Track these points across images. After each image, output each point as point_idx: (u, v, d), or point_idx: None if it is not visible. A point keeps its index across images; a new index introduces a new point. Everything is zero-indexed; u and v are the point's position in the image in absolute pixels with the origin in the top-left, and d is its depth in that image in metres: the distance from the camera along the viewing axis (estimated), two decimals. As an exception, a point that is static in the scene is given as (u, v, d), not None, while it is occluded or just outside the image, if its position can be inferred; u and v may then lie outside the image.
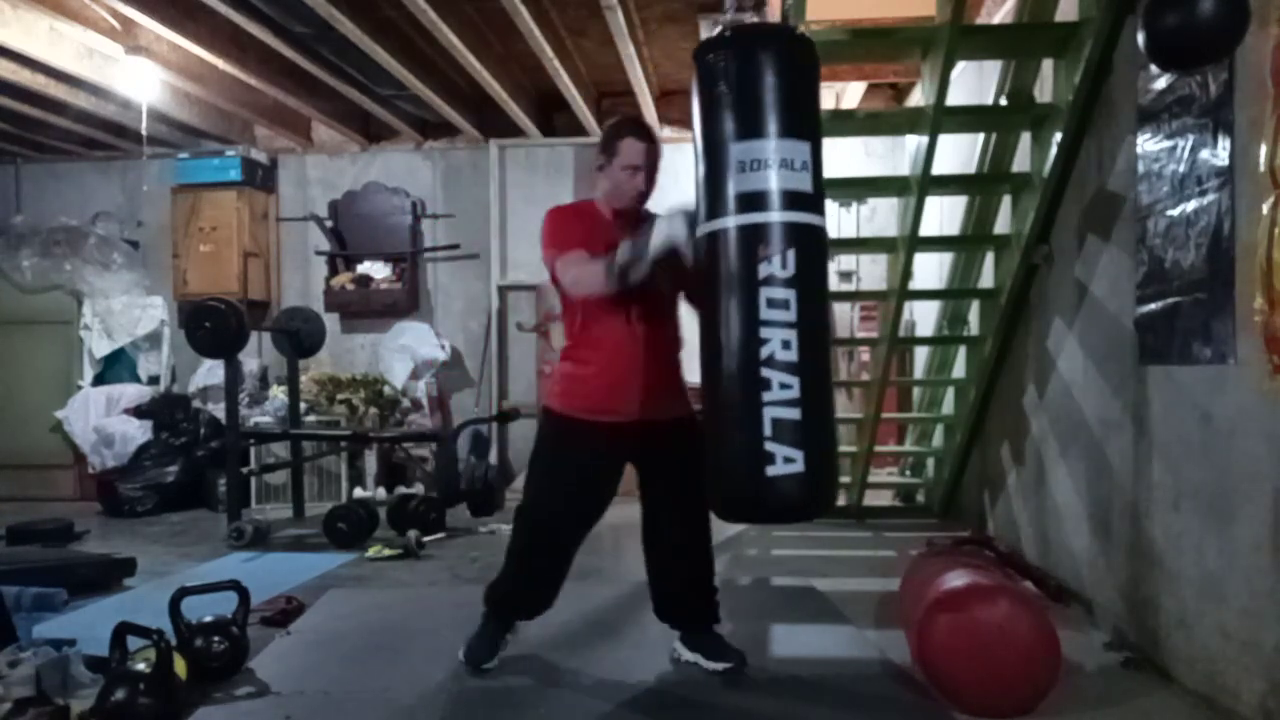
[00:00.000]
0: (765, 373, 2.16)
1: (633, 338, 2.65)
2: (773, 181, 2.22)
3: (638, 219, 2.68)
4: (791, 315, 2.18)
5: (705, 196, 2.31)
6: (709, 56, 2.33)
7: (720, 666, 2.77)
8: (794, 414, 2.15)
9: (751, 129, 2.25)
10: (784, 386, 2.15)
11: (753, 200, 2.23)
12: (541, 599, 2.81)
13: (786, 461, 2.14)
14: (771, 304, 2.18)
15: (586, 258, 2.58)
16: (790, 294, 2.18)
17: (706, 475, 2.36)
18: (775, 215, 2.22)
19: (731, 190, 2.25)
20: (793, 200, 2.23)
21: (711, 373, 2.28)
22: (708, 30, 2.58)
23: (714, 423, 2.29)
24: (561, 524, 2.75)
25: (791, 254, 2.20)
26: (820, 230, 2.32)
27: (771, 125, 2.24)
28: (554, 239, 2.71)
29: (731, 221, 2.24)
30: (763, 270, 2.20)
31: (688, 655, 2.85)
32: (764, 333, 2.18)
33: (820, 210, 2.32)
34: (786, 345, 2.17)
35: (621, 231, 2.62)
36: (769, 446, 2.15)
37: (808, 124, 2.31)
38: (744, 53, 2.29)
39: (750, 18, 2.51)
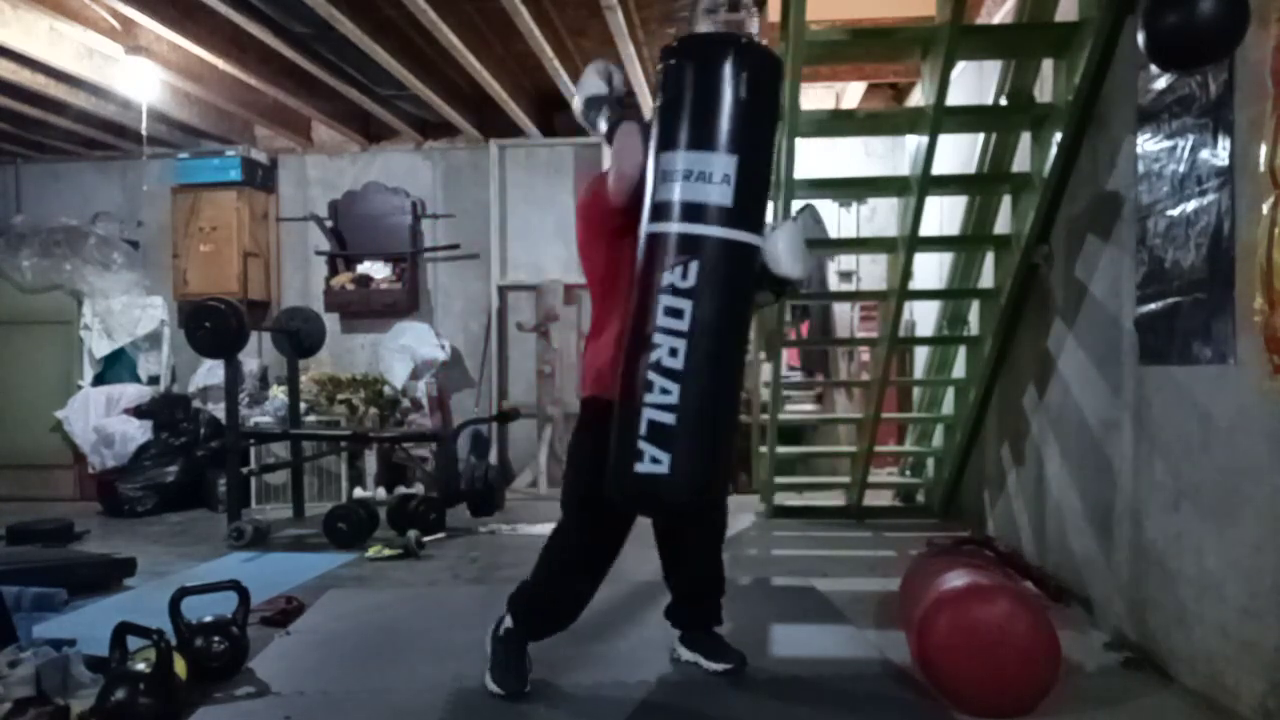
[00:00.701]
0: (650, 375, 2.26)
1: None
2: (677, 193, 2.28)
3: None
4: (684, 325, 2.25)
5: (648, 201, 2.38)
6: (661, 61, 2.40)
7: (720, 667, 2.77)
8: (668, 419, 2.24)
9: (668, 140, 2.31)
10: (664, 391, 2.25)
11: (660, 210, 2.31)
12: (580, 608, 2.67)
13: (653, 461, 2.25)
14: (668, 312, 2.26)
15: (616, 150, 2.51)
16: (687, 304, 2.25)
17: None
18: (676, 226, 2.29)
19: (654, 198, 2.34)
20: (700, 213, 2.27)
21: (625, 361, 2.38)
22: (698, 27, 2.60)
23: (617, 410, 2.37)
24: (617, 520, 2.57)
25: (694, 265, 2.26)
26: (736, 245, 2.31)
27: (684, 137, 2.29)
28: (597, 186, 2.61)
29: (648, 228, 2.34)
30: (664, 278, 2.28)
31: (687, 655, 2.84)
32: (656, 338, 2.27)
33: (745, 225, 2.32)
34: (674, 353, 2.25)
35: None
36: (640, 444, 2.26)
37: (743, 137, 2.29)
38: (674, 63, 2.33)
39: (731, 16, 2.48)
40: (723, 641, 2.83)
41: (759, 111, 2.33)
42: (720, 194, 2.27)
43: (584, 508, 2.60)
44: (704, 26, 2.51)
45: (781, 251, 2.43)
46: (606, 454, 2.39)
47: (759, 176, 2.36)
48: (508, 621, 2.67)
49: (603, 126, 2.55)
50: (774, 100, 2.42)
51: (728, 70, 2.28)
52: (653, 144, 2.36)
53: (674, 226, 2.29)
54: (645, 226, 2.35)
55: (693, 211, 2.28)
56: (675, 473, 2.25)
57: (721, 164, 2.27)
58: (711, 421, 2.32)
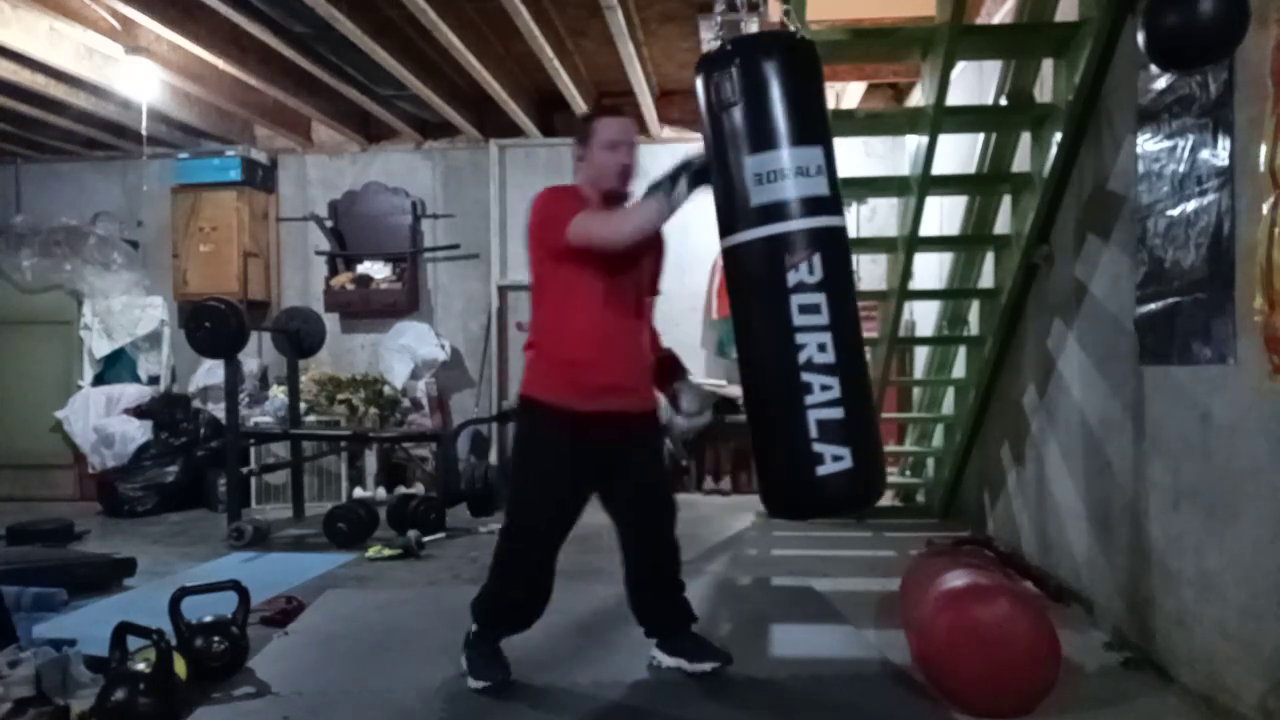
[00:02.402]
0: (806, 377, 2.24)
1: (624, 325, 2.62)
2: (790, 190, 2.27)
3: (624, 198, 2.65)
4: (824, 319, 2.25)
5: (724, 211, 2.36)
6: (713, 70, 2.36)
7: (706, 667, 2.72)
8: (837, 413, 2.23)
9: (764, 140, 2.29)
10: (825, 388, 2.23)
11: (773, 211, 2.28)
12: (537, 609, 2.71)
13: (835, 459, 2.23)
14: (804, 310, 2.25)
15: (605, 213, 2.54)
16: (820, 298, 2.25)
17: (757, 479, 2.43)
18: (797, 223, 2.27)
19: (752, 203, 2.29)
20: (813, 206, 2.28)
21: (754, 383, 2.37)
22: (707, 30, 2.58)
23: (760, 430, 2.35)
24: (555, 524, 2.64)
25: (818, 258, 2.26)
26: (841, 231, 2.36)
27: (783, 134, 2.28)
28: (561, 212, 2.56)
29: (755, 234, 2.30)
30: (791, 278, 2.26)
31: (669, 662, 2.78)
32: (799, 339, 2.25)
33: (839, 210, 2.36)
34: (822, 348, 2.24)
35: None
36: (817, 447, 2.23)
37: (818, 128, 2.33)
38: (747, 64, 2.31)
39: (744, 17, 2.50)
40: (704, 641, 2.79)
41: (823, 101, 2.39)
42: (819, 185, 2.28)
43: (521, 512, 2.70)
44: (726, 28, 2.53)
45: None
46: (543, 454, 2.52)
47: (833, 160, 2.37)
48: (473, 627, 2.74)
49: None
50: (822, 88, 2.46)
51: (794, 66, 2.30)
52: (733, 144, 2.32)
53: (796, 224, 2.27)
54: (753, 232, 2.30)
55: (812, 206, 2.27)
56: (861, 463, 2.25)
57: (816, 156, 2.28)
58: (870, 405, 2.37)
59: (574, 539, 2.72)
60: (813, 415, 2.23)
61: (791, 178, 2.26)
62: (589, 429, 2.55)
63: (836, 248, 2.32)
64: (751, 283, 2.33)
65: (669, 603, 2.81)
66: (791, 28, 2.50)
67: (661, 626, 2.83)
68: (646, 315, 2.74)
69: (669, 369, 2.78)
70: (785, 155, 2.27)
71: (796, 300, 2.25)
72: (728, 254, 2.38)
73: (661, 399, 2.75)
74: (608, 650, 3.01)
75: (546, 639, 3.01)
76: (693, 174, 2.39)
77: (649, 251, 2.67)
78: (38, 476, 6.72)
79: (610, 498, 2.73)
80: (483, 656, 2.70)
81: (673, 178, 2.40)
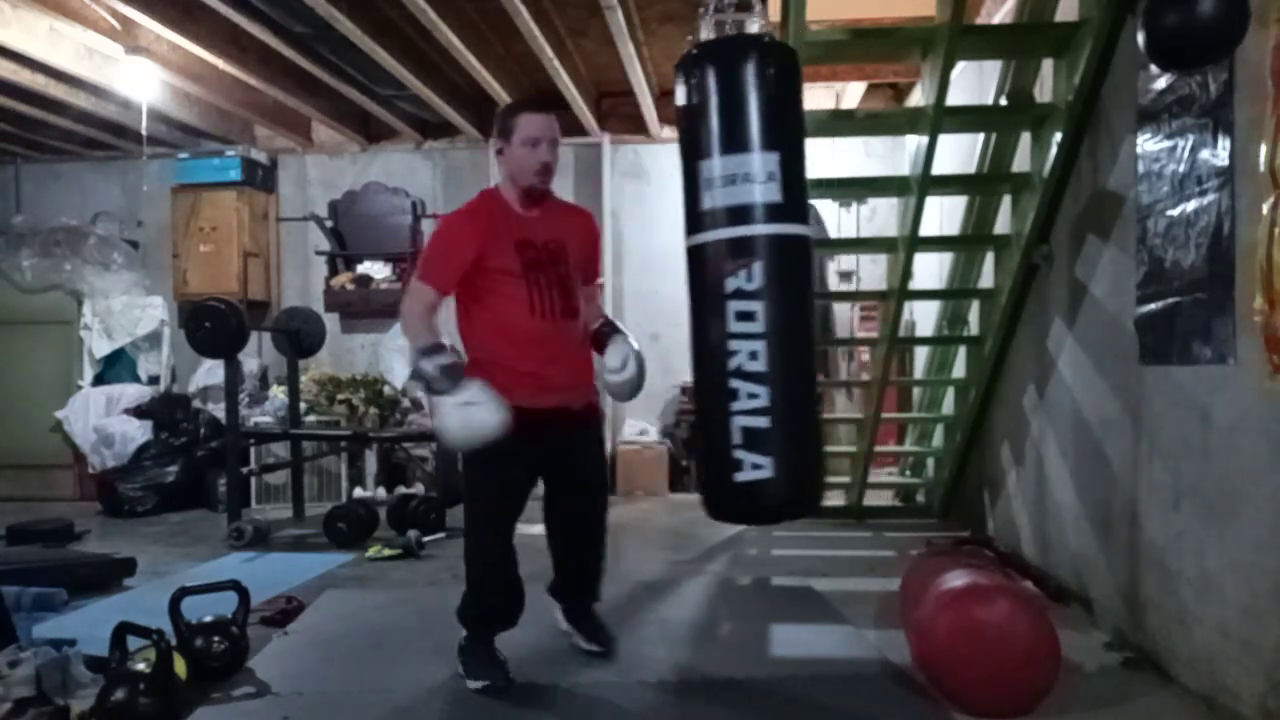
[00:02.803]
0: (733, 383, 2.25)
1: (543, 324, 2.64)
2: (738, 196, 2.27)
3: (544, 195, 2.70)
4: (759, 326, 2.24)
5: (687, 213, 2.39)
6: (680, 71, 2.40)
7: (594, 648, 2.88)
8: (761, 422, 2.24)
9: (712, 145, 2.30)
10: (751, 396, 2.24)
11: (719, 216, 2.30)
12: (513, 605, 2.78)
13: (754, 468, 2.25)
14: (740, 316, 2.26)
15: (430, 300, 2.64)
16: (758, 306, 2.25)
17: (698, 479, 2.47)
18: (740, 230, 2.29)
19: (701, 207, 2.32)
20: (760, 213, 2.27)
21: (696, 383, 2.41)
22: (707, 31, 2.59)
23: (701, 430, 2.40)
24: (503, 508, 2.71)
25: (758, 266, 2.25)
26: (793, 238, 2.33)
27: (733, 139, 2.28)
28: (428, 258, 2.74)
29: (702, 238, 2.33)
30: (729, 284, 2.27)
31: (565, 626, 2.96)
32: (732, 345, 2.26)
33: (794, 217, 2.32)
34: (754, 356, 2.24)
35: (528, 214, 2.66)
36: (737, 454, 2.25)
37: (775, 134, 2.31)
38: (707, 67, 2.33)
39: (733, 17, 2.49)
40: (600, 624, 2.95)
41: (789, 105, 2.35)
42: (770, 192, 2.27)
43: (475, 510, 2.76)
44: (713, 29, 2.52)
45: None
46: (487, 455, 2.50)
47: (797, 168, 2.35)
48: (462, 632, 2.80)
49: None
50: (798, 94, 2.42)
51: (753, 70, 2.28)
52: (691, 146, 2.37)
53: (726, 233, 2.28)
54: (701, 236, 2.35)
55: (744, 214, 2.27)
56: (780, 474, 2.25)
57: (765, 162, 2.26)
58: (804, 418, 2.34)
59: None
60: (737, 422, 2.24)
61: (740, 184, 2.26)
62: (523, 423, 2.52)
63: (783, 255, 2.30)
64: (697, 285, 2.35)
65: (585, 581, 2.96)
66: (767, 32, 2.47)
67: (571, 598, 2.98)
68: (580, 309, 2.75)
69: (603, 333, 2.81)
70: (717, 164, 2.28)
71: (733, 307, 2.26)
72: (687, 255, 2.41)
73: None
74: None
75: (546, 639, 3.01)
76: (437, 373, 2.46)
77: (566, 251, 2.68)
78: (38, 476, 6.71)
79: (548, 483, 2.83)
80: (475, 658, 2.74)
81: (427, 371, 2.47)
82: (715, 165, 2.28)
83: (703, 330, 2.37)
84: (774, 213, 2.28)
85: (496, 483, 2.67)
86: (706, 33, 2.51)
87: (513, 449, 2.53)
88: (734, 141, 2.28)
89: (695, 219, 2.35)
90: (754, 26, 2.50)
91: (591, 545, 2.91)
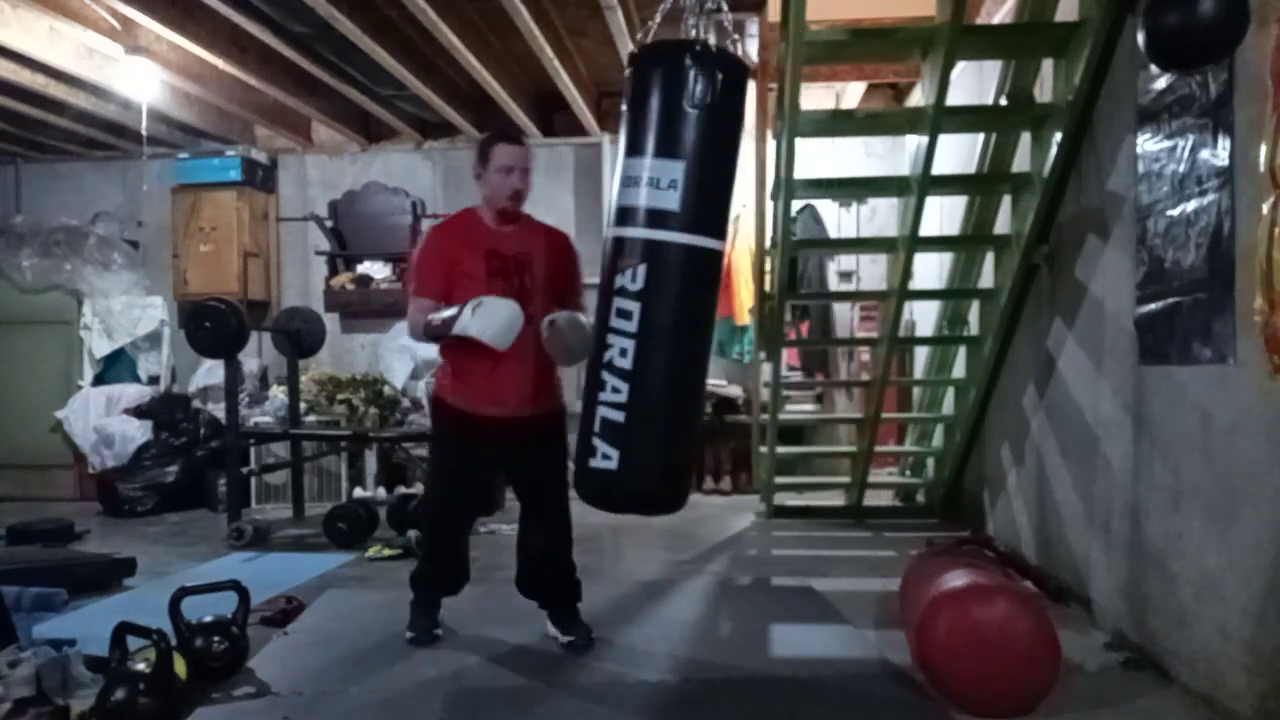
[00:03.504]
0: (603, 375, 2.39)
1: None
2: (639, 198, 2.36)
3: (516, 216, 2.96)
4: (633, 326, 2.35)
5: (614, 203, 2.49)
6: (627, 67, 2.50)
7: (567, 639, 2.98)
8: (617, 416, 2.36)
9: (630, 146, 2.40)
10: (614, 390, 2.36)
11: (620, 215, 2.42)
12: (459, 574, 3.13)
13: (604, 457, 2.38)
14: (619, 314, 2.37)
15: (427, 305, 2.84)
16: (635, 306, 2.35)
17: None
18: (624, 231, 2.40)
19: (615, 203, 2.44)
20: (654, 218, 2.35)
21: (588, 362, 2.51)
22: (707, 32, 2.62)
23: (582, 406, 2.50)
24: (452, 499, 3.05)
25: (643, 269, 2.35)
26: (685, 248, 2.38)
27: (646, 143, 2.36)
28: (415, 273, 2.97)
29: (609, 232, 2.46)
30: (617, 281, 2.38)
31: (551, 630, 3.06)
32: (609, 339, 2.38)
33: (691, 229, 2.37)
34: (624, 353, 2.35)
35: (501, 229, 2.92)
36: (594, 441, 2.39)
37: (682, 142, 2.35)
38: (636, 71, 2.43)
39: (718, 18, 2.52)
40: (576, 618, 3.04)
41: (710, 117, 2.35)
42: (667, 199, 2.33)
43: (428, 495, 3.17)
44: (687, 27, 2.54)
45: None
46: (441, 448, 3.02)
47: (711, 181, 2.40)
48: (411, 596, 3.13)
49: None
50: (728, 105, 2.42)
51: (674, 78, 2.34)
52: (622, 144, 2.47)
53: (623, 231, 2.39)
54: (606, 230, 2.50)
55: (638, 216, 2.36)
56: (624, 468, 2.36)
57: (667, 170, 2.33)
58: (662, 420, 2.41)
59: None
60: (599, 411, 2.37)
61: (626, 187, 2.37)
62: (479, 429, 2.89)
63: (671, 262, 2.37)
64: (601, 277, 2.46)
65: (556, 583, 3.08)
66: (714, 40, 2.50)
67: (548, 602, 3.10)
68: (537, 321, 2.84)
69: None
70: (628, 165, 2.37)
71: (616, 303, 2.38)
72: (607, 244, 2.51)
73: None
74: (606, 651, 3.01)
75: (545, 640, 3.01)
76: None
77: (533, 265, 2.89)
78: (38, 476, 6.70)
79: (515, 486, 3.15)
80: (418, 619, 3.09)
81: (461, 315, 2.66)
82: (627, 165, 2.40)
83: (595, 319, 2.50)
84: (670, 221, 2.35)
85: (449, 470, 3.03)
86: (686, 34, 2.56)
87: (470, 442, 2.92)
88: (662, 146, 2.36)
89: (613, 212, 2.49)
90: (718, 30, 2.53)
91: (552, 553, 3.03)
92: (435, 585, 3.13)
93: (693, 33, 2.54)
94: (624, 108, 2.45)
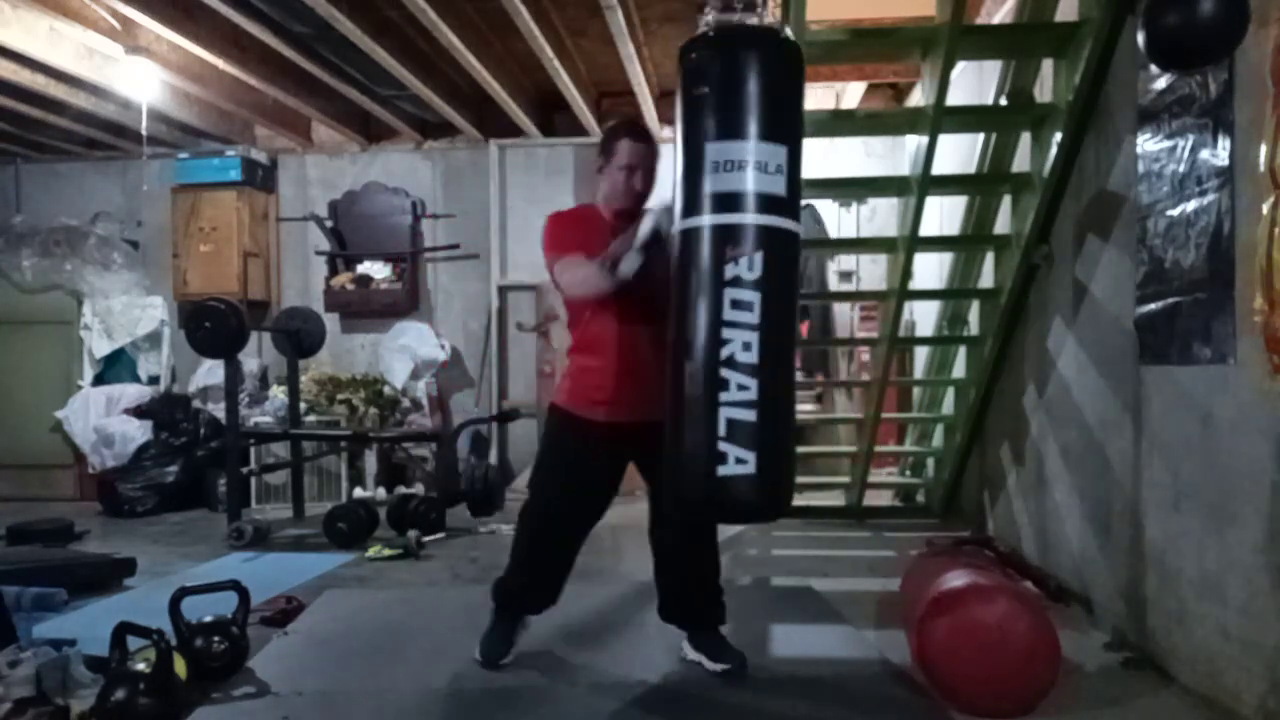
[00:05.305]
0: (724, 373, 2.19)
1: (635, 339, 2.67)
2: (747, 183, 2.23)
3: (634, 217, 2.67)
4: (755, 318, 2.19)
5: (682, 194, 2.32)
6: (692, 55, 2.35)
7: (719, 667, 2.78)
8: (749, 415, 2.18)
9: (730, 130, 2.25)
10: (742, 388, 2.18)
11: (725, 201, 2.24)
12: (546, 594, 2.85)
13: (739, 462, 2.17)
14: (736, 305, 2.20)
15: (582, 260, 2.61)
16: (756, 296, 2.20)
17: (664, 469, 2.38)
18: (748, 217, 2.23)
19: (706, 189, 2.26)
20: (765, 203, 2.23)
21: (675, 369, 2.31)
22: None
23: (674, 418, 2.31)
24: (563, 519, 2.78)
25: (759, 256, 2.21)
26: (791, 235, 2.31)
27: (750, 127, 2.24)
28: (553, 243, 2.75)
29: (704, 220, 2.26)
30: (729, 271, 2.21)
31: (692, 655, 2.86)
32: (726, 333, 2.20)
33: (793, 215, 2.31)
34: (747, 347, 2.19)
35: (621, 232, 2.65)
36: (722, 446, 2.18)
37: (786, 128, 2.30)
38: (727, 53, 2.30)
39: (739, 17, 2.49)
40: (724, 642, 2.84)
41: (798, 103, 2.34)
42: (777, 184, 2.24)
43: (535, 508, 2.81)
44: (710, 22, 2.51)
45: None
46: (561, 460, 2.66)
47: (800, 167, 2.34)
48: (491, 605, 2.89)
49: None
50: (802, 93, 2.42)
51: (769, 61, 2.27)
52: (699, 129, 2.30)
53: (747, 218, 2.23)
54: (703, 219, 2.28)
55: (764, 203, 2.23)
56: (764, 472, 2.19)
57: (779, 155, 2.25)
58: (788, 415, 2.30)
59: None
60: (724, 413, 2.18)
61: (750, 171, 2.22)
62: (603, 436, 2.68)
63: (782, 250, 2.27)
64: (692, 269, 2.28)
65: (698, 604, 2.86)
66: (782, 27, 2.48)
67: (689, 623, 2.88)
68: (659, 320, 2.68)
69: None
70: (749, 148, 2.23)
71: (730, 294, 2.20)
72: (680, 237, 2.33)
73: None
74: (606, 652, 3.01)
75: (545, 640, 3.01)
76: (653, 240, 2.46)
77: (652, 264, 2.61)
78: (38, 476, 6.71)
79: (650, 499, 2.85)
80: (493, 636, 2.84)
81: (643, 248, 2.45)
82: (746, 149, 2.24)
83: (694, 314, 2.29)
84: (780, 206, 2.26)
85: (562, 481, 2.76)
86: (705, 21, 2.51)
87: (595, 451, 2.70)
88: (773, 131, 2.25)
89: (699, 201, 2.29)
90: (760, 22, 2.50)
91: (693, 566, 2.84)
92: (521, 601, 2.86)
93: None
94: (701, 91, 2.29)
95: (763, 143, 2.24)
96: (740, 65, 2.27)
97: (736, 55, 2.29)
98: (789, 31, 2.51)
